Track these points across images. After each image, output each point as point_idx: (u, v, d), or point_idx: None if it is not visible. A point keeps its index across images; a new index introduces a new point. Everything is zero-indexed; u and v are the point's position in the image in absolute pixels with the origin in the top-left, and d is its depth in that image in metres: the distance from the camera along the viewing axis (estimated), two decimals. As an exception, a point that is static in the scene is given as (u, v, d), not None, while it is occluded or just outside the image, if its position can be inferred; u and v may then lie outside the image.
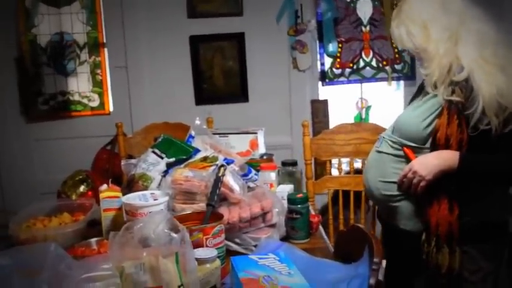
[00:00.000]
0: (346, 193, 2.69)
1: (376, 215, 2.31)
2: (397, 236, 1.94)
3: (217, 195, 1.68)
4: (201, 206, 1.71)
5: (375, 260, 1.36)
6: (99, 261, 1.18)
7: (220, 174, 1.73)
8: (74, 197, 3.02)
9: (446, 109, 1.74)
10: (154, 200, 1.72)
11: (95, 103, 3.82)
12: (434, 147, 1.77)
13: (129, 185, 2.00)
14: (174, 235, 1.21)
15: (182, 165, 1.95)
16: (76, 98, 3.80)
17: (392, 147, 1.87)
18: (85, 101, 3.81)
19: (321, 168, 3.33)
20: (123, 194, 1.82)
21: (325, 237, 1.89)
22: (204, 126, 2.39)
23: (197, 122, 2.27)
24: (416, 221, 1.84)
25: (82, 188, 2.99)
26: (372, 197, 1.97)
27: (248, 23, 3.79)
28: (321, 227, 1.93)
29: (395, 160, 1.86)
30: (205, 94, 3.85)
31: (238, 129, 2.44)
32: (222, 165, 1.78)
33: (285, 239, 1.77)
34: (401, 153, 1.84)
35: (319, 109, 3.92)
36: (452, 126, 1.72)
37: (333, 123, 3.83)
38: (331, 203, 2.75)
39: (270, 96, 3.86)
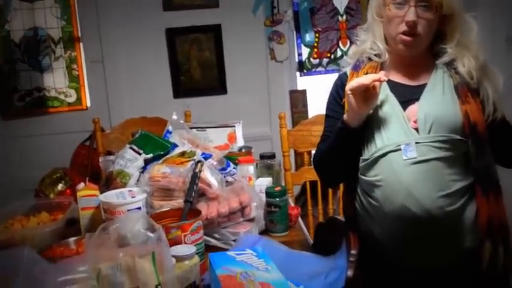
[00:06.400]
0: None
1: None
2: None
3: (195, 191, 1.67)
4: (179, 202, 1.70)
5: (352, 251, 1.38)
6: (76, 264, 1.17)
7: (197, 170, 1.72)
8: (52, 195, 2.99)
9: (468, 91, 1.56)
10: (132, 197, 1.70)
11: (72, 99, 3.80)
12: (472, 138, 1.53)
13: (107, 182, 1.98)
14: (151, 234, 1.21)
15: (160, 161, 1.94)
16: (52, 94, 3.77)
17: (441, 148, 1.52)
18: (62, 96, 3.78)
19: (300, 159, 3.34)
20: (101, 192, 1.80)
21: (305, 229, 1.89)
22: (182, 121, 2.38)
23: (174, 116, 2.25)
24: (478, 232, 1.54)
25: (60, 186, 2.97)
26: (431, 221, 1.50)
27: (224, 15, 3.78)
28: (300, 220, 1.93)
29: (450, 164, 1.53)
30: (183, 87, 3.84)
31: (216, 122, 2.43)
32: (199, 161, 1.78)
33: (264, 232, 1.77)
34: (453, 153, 1.53)
35: (298, 99, 3.94)
36: (479, 111, 1.55)
37: (312, 113, 3.84)
38: (310, 193, 2.75)
39: (249, 87, 3.86)
